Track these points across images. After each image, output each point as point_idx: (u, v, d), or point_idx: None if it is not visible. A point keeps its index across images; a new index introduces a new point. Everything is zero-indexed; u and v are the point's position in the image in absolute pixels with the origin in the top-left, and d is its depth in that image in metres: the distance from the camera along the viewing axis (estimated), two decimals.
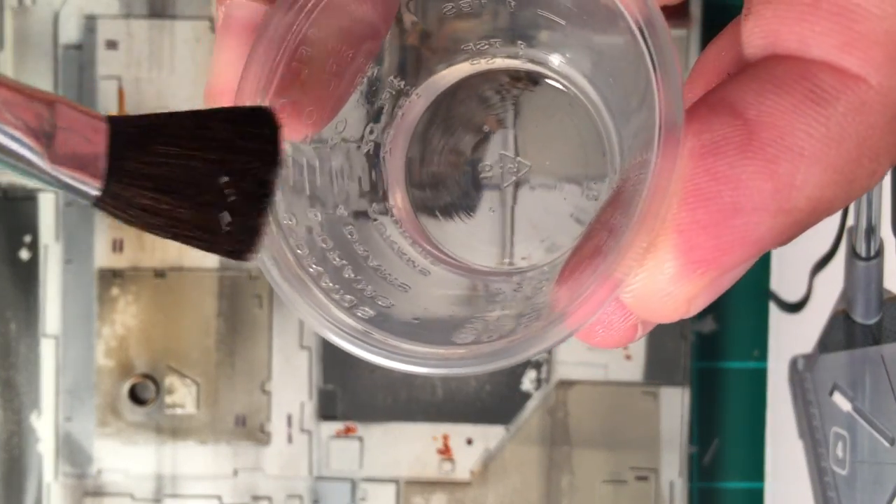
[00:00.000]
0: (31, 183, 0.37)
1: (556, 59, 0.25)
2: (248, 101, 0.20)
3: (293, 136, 0.21)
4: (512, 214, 0.26)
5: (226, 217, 0.18)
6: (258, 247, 0.19)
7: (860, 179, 0.18)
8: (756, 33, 0.18)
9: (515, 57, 0.26)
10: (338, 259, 0.22)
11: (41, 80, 0.39)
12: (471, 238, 0.26)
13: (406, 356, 0.20)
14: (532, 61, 0.26)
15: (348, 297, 0.21)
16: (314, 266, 0.20)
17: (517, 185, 0.26)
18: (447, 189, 0.26)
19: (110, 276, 0.39)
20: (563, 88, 0.26)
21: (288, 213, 0.21)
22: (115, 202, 0.18)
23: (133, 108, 0.39)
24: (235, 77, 0.20)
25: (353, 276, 0.22)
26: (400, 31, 0.25)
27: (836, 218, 0.34)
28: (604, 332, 0.20)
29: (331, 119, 0.22)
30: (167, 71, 0.39)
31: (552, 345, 0.19)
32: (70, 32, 0.39)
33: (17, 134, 0.17)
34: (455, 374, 0.20)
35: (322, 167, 0.23)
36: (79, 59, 0.39)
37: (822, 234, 0.35)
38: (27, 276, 0.39)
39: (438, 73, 0.26)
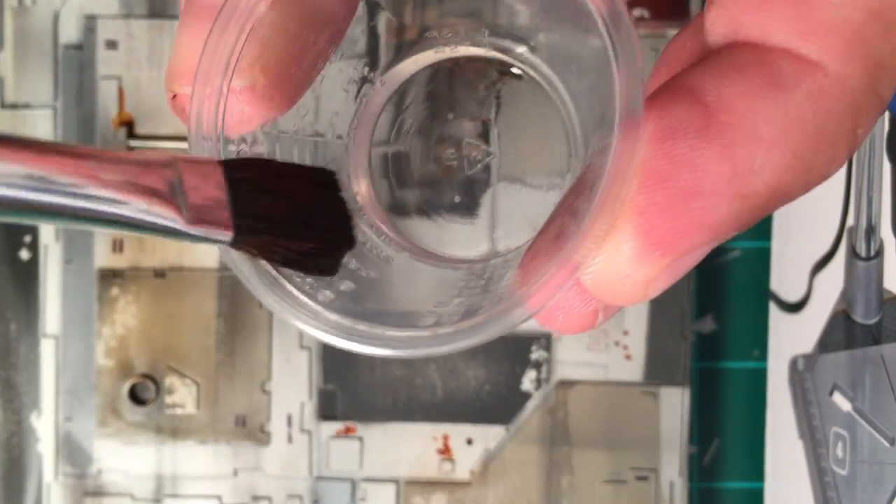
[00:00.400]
0: None
1: (520, 48, 0.25)
2: (206, 83, 0.20)
3: (254, 121, 0.21)
4: (477, 203, 0.26)
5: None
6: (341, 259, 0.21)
7: (818, 166, 0.18)
8: (718, 21, 0.19)
9: (480, 45, 0.26)
10: None
11: (41, 80, 0.39)
12: (434, 227, 0.26)
13: (364, 338, 0.20)
14: (496, 49, 0.26)
15: (309, 280, 0.21)
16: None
17: (481, 173, 0.26)
18: (410, 177, 0.26)
19: (110, 276, 0.39)
20: (527, 77, 0.26)
21: None
22: (243, 244, 0.19)
23: (133, 108, 0.39)
24: (197, 59, 0.20)
25: None
26: (363, 17, 0.25)
27: (835, 218, 0.34)
28: (564, 318, 0.20)
29: (292, 104, 0.22)
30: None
31: (511, 327, 0.19)
32: (70, 32, 0.39)
33: (159, 209, 0.18)
34: (412, 355, 0.20)
35: (284, 152, 0.23)
36: (79, 59, 0.39)
37: (822, 234, 0.35)
38: (27, 277, 0.39)
39: (402, 61, 0.26)
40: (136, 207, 0.17)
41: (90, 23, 0.39)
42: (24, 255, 0.39)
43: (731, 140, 0.17)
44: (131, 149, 0.39)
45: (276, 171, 0.20)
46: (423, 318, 0.21)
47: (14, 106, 0.39)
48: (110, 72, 0.39)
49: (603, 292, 0.19)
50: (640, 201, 0.18)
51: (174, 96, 0.21)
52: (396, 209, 0.26)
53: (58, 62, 0.39)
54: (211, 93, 0.20)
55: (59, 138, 0.39)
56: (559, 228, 0.19)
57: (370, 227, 0.25)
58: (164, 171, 0.18)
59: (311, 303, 0.20)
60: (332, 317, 0.20)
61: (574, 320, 0.20)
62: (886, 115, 0.31)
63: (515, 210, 0.26)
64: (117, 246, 0.39)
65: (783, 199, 0.18)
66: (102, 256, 0.39)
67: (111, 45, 0.39)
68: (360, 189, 0.26)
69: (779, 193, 0.18)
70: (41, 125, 0.39)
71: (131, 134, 0.39)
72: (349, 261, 0.23)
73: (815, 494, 0.35)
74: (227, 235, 0.19)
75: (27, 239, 0.39)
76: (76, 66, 0.39)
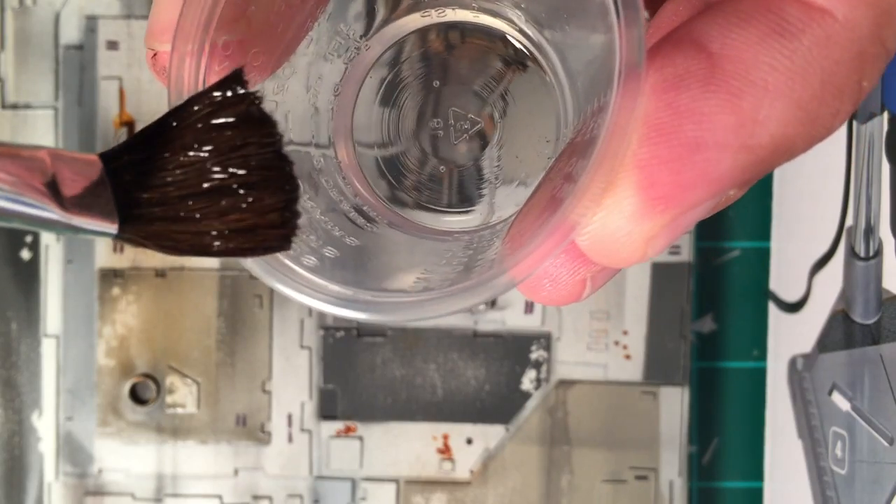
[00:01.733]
0: None
1: (509, 9, 0.24)
2: (188, 39, 0.18)
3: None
4: (464, 174, 0.25)
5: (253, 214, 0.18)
6: (295, 228, 0.18)
7: (823, 118, 0.18)
8: None
9: (467, 7, 0.25)
10: None
11: (42, 80, 0.39)
12: (419, 197, 0.25)
13: (347, 301, 0.19)
14: (484, 12, 0.25)
15: (293, 245, 0.20)
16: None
17: (468, 143, 0.25)
18: (395, 143, 0.25)
19: (111, 276, 0.39)
20: (516, 43, 0.25)
21: None
22: (136, 235, 0.18)
23: (134, 108, 0.39)
24: (178, 13, 0.19)
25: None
26: None
27: (835, 218, 0.34)
28: (551, 287, 0.20)
29: (279, 66, 0.21)
30: None
31: (497, 293, 0.18)
32: (71, 33, 0.39)
33: (32, 199, 0.17)
34: (394, 321, 0.19)
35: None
36: (80, 59, 0.39)
37: (822, 234, 0.35)
38: (28, 276, 0.39)
39: (389, 25, 0.25)
40: (11, 198, 0.17)
41: (91, 23, 0.39)
42: (26, 254, 0.39)
43: (736, 89, 0.17)
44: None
45: (171, 147, 0.18)
46: (411, 285, 0.20)
47: (15, 106, 0.39)
48: (111, 72, 0.39)
49: (601, 252, 0.18)
50: (641, 155, 0.17)
51: (154, 55, 0.20)
52: (381, 177, 0.25)
53: (59, 62, 0.39)
54: (193, 49, 0.18)
55: (60, 138, 0.39)
56: (551, 193, 0.18)
57: (353, 195, 0.24)
58: (38, 163, 0.17)
59: (295, 267, 0.19)
60: (317, 281, 0.19)
61: (561, 290, 0.20)
62: (886, 115, 0.31)
63: (503, 182, 0.25)
64: (118, 246, 0.39)
65: (787, 153, 0.18)
66: (103, 256, 0.39)
67: (112, 45, 0.39)
68: (342, 154, 0.25)
69: (782, 147, 0.17)
70: (42, 125, 0.39)
71: (132, 134, 0.39)
72: (332, 228, 0.22)
73: (814, 494, 0.35)
74: (112, 226, 0.18)
75: (28, 239, 0.39)
76: (77, 66, 0.39)
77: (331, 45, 0.24)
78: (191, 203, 0.18)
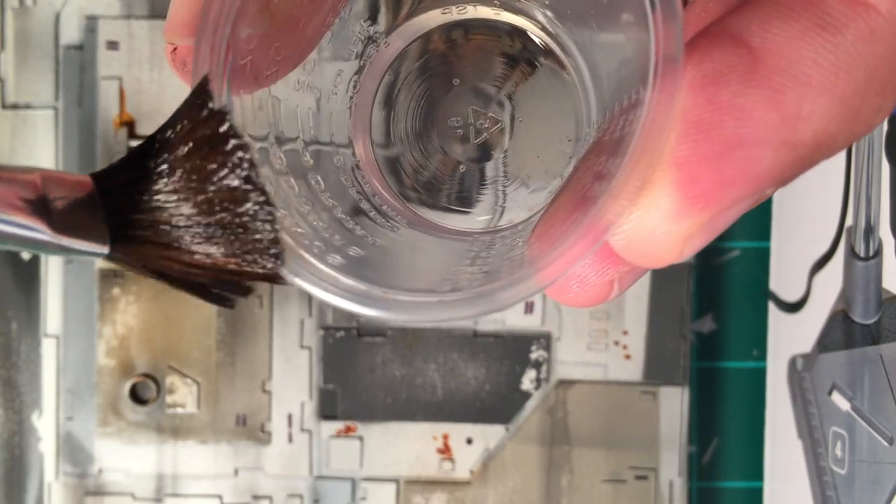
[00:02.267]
0: None
1: (532, 7, 0.24)
2: (211, 32, 0.18)
3: (260, 75, 0.19)
4: (481, 172, 0.25)
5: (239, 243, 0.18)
6: (283, 260, 0.18)
7: (866, 115, 0.17)
8: None
9: (489, 4, 0.24)
10: (304, 205, 0.21)
11: (42, 80, 0.39)
12: (438, 195, 0.25)
13: (369, 299, 0.18)
14: (506, 9, 0.24)
15: (317, 243, 0.19)
16: (281, 210, 0.19)
17: (487, 141, 0.25)
18: (413, 142, 0.25)
19: (111, 276, 0.39)
20: (537, 40, 0.24)
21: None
22: (127, 255, 0.18)
23: (134, 108, 0.39)
24: (199, 8, 0.18)
25: (320, 224, 0.21)
26: None
27: (834, 218, 0.34)
28: (578, 288, 0.19)
29: (301, 61, 0.21)
30: (168, 72, 0.39)
31: (528, 295, 0.17)
32: (71, 33, 0.39)
33: (23, 220, 0.17)
34: (417, 321, 0.18)
35: (287, 109, 0.22)
36: (80, 59, 0.39)
37: (821, 234, 0.35)
38: (28, 276, 0.39)
39: (409, 21, 0.24)
40: (1, 219, 0.17)
41: (91, 23, 0.39)
42: (26, 254, 0.39)
43: (778, 85, 0.16)
44: (132, 149, 0.39)
45: (159, 170, 0.18)
46: (439, 284, 0.20)
47: (15, 106, 0.39)
48: (111, 72, 0.39)
49: (636, 252, 0.18)
50: (680, 152, 0.17)
51: (174, 49, 0.20)
52: (398, 176, 0.25)
53: (59, 62, 0.39)
54: (215, 43, 0.18)
55: (60, 138, 0.39)
56: (580, 192, 0.18)
57: (372, 193, 0.24)
58: (28, 184, 0.17)
59: (322, 266, 0.19)
60: (345, 281, 0.19)
61: (589, 291, 0.19)
62: None
63: (522, 181, 0.25)
64: None
65: (828, 150, 0.17)
66: None
67: (112, 45, 0.39)
68: (360, 152, 0.25)
69: (824, 144, 0.17)
70: (42, 125, 0.39)
71: (132, 134, 0.39)
72: (354, 227, 0.22)
73: (813, 494, 0.35)
74: (103, 247, 0.18)
75: None
76: (77, 66, 0.39)
77: (350, 42, 0.24)
78: (179, 231, 0.18)
